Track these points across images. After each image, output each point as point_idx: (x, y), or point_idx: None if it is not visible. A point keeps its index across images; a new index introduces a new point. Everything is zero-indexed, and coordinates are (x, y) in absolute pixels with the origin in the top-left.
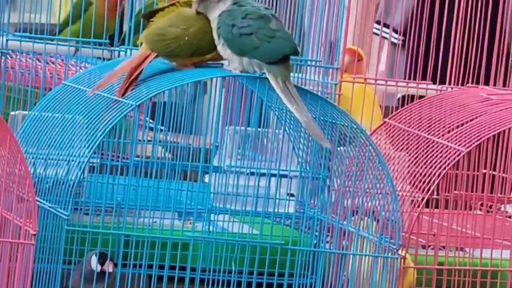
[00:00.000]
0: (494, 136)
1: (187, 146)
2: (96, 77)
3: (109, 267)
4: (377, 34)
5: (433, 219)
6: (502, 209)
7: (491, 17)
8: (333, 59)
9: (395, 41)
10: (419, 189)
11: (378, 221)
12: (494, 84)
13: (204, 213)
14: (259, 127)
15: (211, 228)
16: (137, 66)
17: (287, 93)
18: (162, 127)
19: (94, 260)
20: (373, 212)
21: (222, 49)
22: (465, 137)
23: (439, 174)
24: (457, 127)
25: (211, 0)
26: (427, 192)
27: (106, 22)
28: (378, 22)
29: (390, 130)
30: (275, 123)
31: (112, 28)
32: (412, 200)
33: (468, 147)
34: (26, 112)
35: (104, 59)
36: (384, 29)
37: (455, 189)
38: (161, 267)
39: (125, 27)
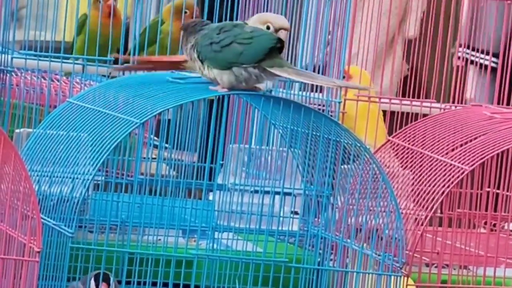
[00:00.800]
0: (498, 154)
1: (192, 164)
2: (101, 95)
3: None
4: (461, 58)
5: (437, 237)
6: (506, 227)
7: None
8: (337, 77)
9: (487, 63)
10: (423, 207)
11: (381, 239)
12: (498, 103)
13: (208, 231)
14: (263, 145)
15: (215, 246)
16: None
17: (301, 74)
18: (167, 145)
19: (92, 284)
20: (377, 230)
21: (209, 72)
22: (469, 155)
23: (443, 192)
24: (461, 145)
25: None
26: (431, 210)
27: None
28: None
29: (394, 148)
30: (279, 141)
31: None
32: (416, 218)
33: (471, 166)
34: (30, 130)
35: (108, 76)
36: (470, 51)
37: (458, 207)
38: (165, 284)
39: (130, 45)
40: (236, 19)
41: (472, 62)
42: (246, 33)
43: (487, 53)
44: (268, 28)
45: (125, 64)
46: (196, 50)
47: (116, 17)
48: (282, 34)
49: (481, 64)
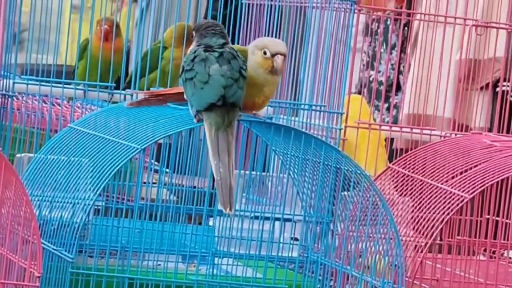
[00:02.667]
0: (497, 182)
1: (192, 189)
2: (102, 120)
3: None
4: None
5: (436, 264)
6: (505, 254)
7: None
8: (337, 104)
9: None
10: (423, 234)
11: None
12: (499, 131)
13: (208, 257)
14: (264, 171)
15: (215, 272)
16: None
17: (215, 146)
18: (167, 170)
19: None
20: (377, 256)
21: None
22: (469, 183)
23: (442, 220)
24: (461, 173)
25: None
26: (430, 237)
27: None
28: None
29: (394, 176)
30: (280, 167)
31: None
32: (416, 245)
33: (471, 194)
34: (31, 155)
35: (109, 102)
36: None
37: (458, 235)
38: None
39: (131, 70)
40: (238, 42)
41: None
42: (204, 75)
43: None
44: (265, 53)
45: (138, 99)
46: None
47: (117, 41)
48: (279, 59)
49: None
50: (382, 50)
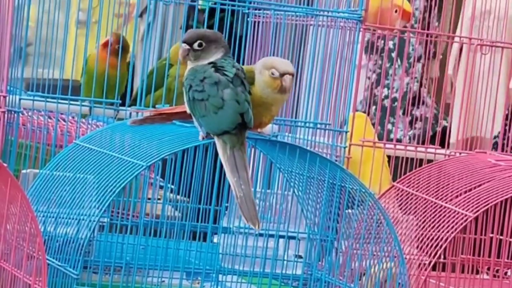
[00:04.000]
0: (501, 201)
1: (197, 206)
2: (107, 137)
3: None
4: None
5: (440, 283)
6: (509, 273)
7: None
8: (342, 123)
9: None
10: (426, 252)
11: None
12: (502, 150)
13: (212, 274)
14: (268, 188)
15: None
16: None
17: (232, 163)
18: (172, 186)
19: None
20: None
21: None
22: (473, 202)
23: (447, 239)
24: (465, 192)
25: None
26: (434, 256)
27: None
28: None
29: (398, 194)
30: (284, 184)
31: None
32: (420, 264)
33: (475, 213)
34: (37, 171)
35: (115, 118)
36: None
37: (462, 253)
38: None
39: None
40: (243, 61)
41: None
42: (218, 100)
43: None
44: (273, 73)
45: (142, 117)
46: (185, 78)
47: (123, 58)
48: (288, 79)
49: None
50: (396, 66)
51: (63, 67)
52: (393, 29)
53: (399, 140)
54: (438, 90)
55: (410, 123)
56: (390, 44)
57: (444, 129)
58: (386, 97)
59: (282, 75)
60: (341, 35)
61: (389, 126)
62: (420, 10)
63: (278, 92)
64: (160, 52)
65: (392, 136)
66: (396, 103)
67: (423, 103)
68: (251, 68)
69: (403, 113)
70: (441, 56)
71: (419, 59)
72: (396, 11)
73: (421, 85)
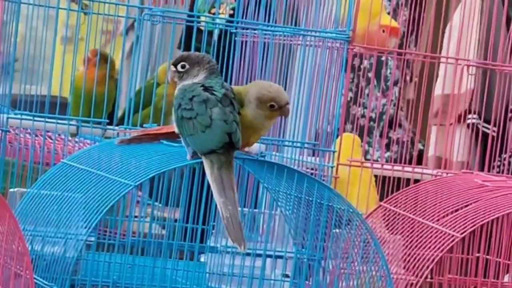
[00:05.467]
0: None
1: (184, 225)
2: (95, 156)
3: None
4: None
5: None
6: None
7: None
8: (330, 142)
9: (488, 131)
10: (413, 273)
11: None
12: (488, 171)
13: None
14: (255, 208)
15: None
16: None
17: (219, 183)
18: (160, 204)
19: None
20: None
21: (175, 126)
22: (460, 222)
23: (433, 259)
24: (452, 212)
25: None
26: (421, 276)
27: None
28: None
29: (385, 214)
30: (271, 204)
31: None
32: (406, 284)
33: (462, 233)
34: (24, 189)
35: (102, 138)
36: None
37: (449, 273)
38: None
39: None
40: (231, 80)
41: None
42: (206, 118)
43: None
44: (272, 106)
45: (129, 137)
46: (174, 97)
47: (104, 73)
48: (288, 107)
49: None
50: (373, 86)
51: (51, 83)
52: (382, 51)
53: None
54: (414, 113)
55: (387, 145)
56: (366, 63)
57: (420, 153)
58: (362, 116)
59: (282, 106)
60: (329, 55)
61: (366, 146)
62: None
63: (274, 119)
64: (147, 70)
65: (369, 156)
66: (372, 123)
67: (399, 126)
68: (241, 89)
69: (380, 135)
70: (416, 79)
71: (395, 83)
72: (383, 31)
73: (397, 108)
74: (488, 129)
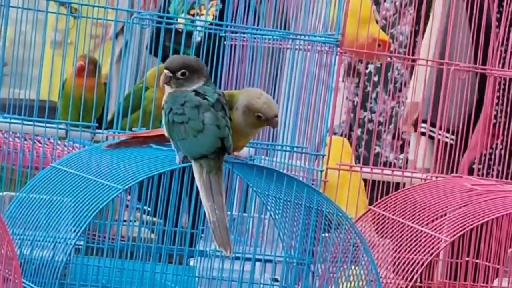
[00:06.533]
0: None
1: (173, 229)
2: (84, 160)
3: None
4: (423, 134)
5: None
6: None
7: None
8: (319, 146)
9: (447, 140)
10: (403, 277)
11: None
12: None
13: None
14: (245, 211)
15: None
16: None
17: (207, 188)
18: (149, 208)
19: None
20: None
21: (165, 130)
22: (449, 226)
23: (423, 263)
24: (442, 216)
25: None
26: (411, 280)
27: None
28: (424, 121)
29: (375, 218)
30: (260, 208)
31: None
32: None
33: (452, 237)
34: (13, 193)
35: (91, 141)
36: (431, 128)
37: (438, 277)
38: None
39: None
40: (220, 84)
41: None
42: (198, 123)
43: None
44: (259, 117)
45: (117, 141)
46: (163, 103)
47: (93, 80)
48: (277, 120)
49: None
50: (379, 90)
51: (39, 87)
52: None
53: (391, 165)
54: None
55: (402, 146)
56: (371, 67)
57: None
58: (370, 120)
59: (270, 119)
60: (318, 59)
61: (377, 149)
62: (406, 35)
63: (261, 127)
64: (136, 74)
65: (379, 159)
66: (380, 127)
67: None
68: (232, 93)
69: (393, 138)
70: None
71: (405, 84)
72: (379, 45)
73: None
74: (446, 137)
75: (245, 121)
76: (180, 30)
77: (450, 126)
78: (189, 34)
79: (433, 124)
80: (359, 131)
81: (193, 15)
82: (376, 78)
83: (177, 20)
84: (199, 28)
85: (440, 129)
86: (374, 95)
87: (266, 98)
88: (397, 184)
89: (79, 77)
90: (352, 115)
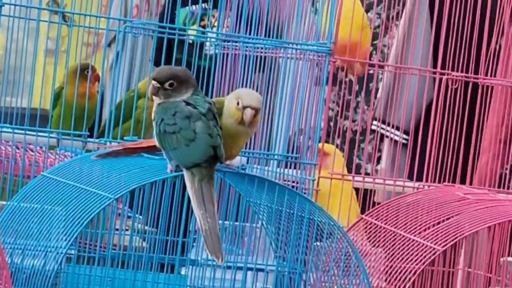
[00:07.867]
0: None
1: (165, 238)
2: (76, 168)
3: None
4: (374, 131)
5: None
6: None
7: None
8: (311, 155)
9: (397, 138)
10: (395, 286)
11: None
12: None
13: None
14: (236, 221)
15: None
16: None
17: (199, 196)
18: (140, 216)
19: None
20: None
21: (156, 140)
22: (442, 235)
23: (415, 272)
24: (434, 225)
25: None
26: None
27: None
28: (376, 119)
29: (367, 227)
30: (252, 217)
31: (93, 115)
32: None
33: (444, 246)
34: (4, 202)
35: (83, 150)
36: (384, 126)
37: (430, 286)
38: None
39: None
40: (212, 93)
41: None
42: (190, 132)
43: (398, 129)
44: (238, 103)
45: (107, 151)
46: (153, 113)
47: (93, 88)
48: (248, 113)
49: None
50: (359, 99)
51: (31, 95)
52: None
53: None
54: None
55: (379, 159)
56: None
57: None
58: (352, 130)
59: (244, 107)
60: (310, 68)
61: (357, 160)
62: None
63: (239, 123)
64: (129, 83)
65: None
66: (361, 137)
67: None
68: (222, 99)
69: (372, 149)
70: None
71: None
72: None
73: None
74: (402, 138)
75: (227, 114)
76: (190, 41)
77: (401, 125)
78: (191, 45)
79: (385, 123)
80: (339, 140)
81: (203, 26)
82: (357, 88)
83: (186, 31)
84: (212, 40)
85: (392, 127)
86: (354, 104)
87: (249, 91)
88: (389, 193)
89: (81, 85)
90: (332, 123)
